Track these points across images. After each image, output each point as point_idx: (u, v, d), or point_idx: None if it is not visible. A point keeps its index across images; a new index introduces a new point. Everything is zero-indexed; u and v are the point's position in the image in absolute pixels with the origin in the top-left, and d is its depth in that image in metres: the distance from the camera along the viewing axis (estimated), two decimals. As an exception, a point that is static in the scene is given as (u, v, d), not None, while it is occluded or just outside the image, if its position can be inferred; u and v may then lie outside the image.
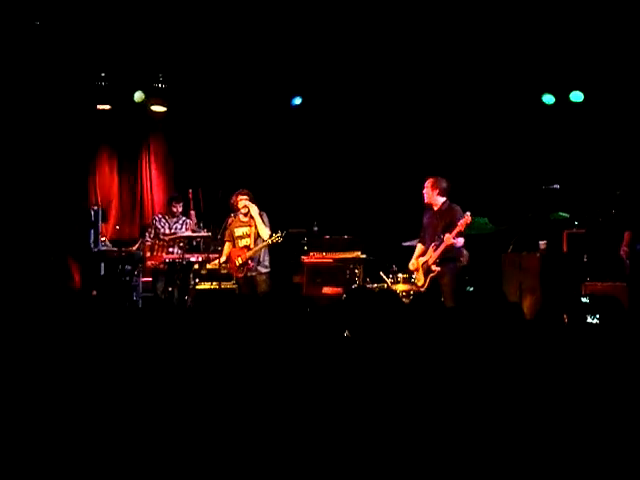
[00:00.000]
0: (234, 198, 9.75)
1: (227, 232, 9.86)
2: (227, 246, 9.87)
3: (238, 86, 11.72)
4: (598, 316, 4.14)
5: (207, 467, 3.01)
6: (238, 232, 9.74)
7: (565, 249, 9.95)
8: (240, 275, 9.69)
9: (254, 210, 9.62)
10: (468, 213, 8.47)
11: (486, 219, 9.90)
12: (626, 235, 8.32)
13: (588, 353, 3.60)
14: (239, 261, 9.61)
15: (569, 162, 11.19)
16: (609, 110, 11.01)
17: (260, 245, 9.60)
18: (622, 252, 8.28)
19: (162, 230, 10.46)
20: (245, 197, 9.67)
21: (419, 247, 9.04)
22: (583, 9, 9.82)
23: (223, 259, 9.90)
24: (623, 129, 10.84)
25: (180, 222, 10.60)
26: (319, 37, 10.70)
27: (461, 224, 8.43)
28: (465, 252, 9.02)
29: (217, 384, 3.44)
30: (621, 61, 10.45)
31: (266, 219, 9.71)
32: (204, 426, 3.16)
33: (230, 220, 9.83)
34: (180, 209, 10.65)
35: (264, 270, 9.69)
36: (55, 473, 3.00)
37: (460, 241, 8.58)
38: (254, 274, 9.63)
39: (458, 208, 8.70)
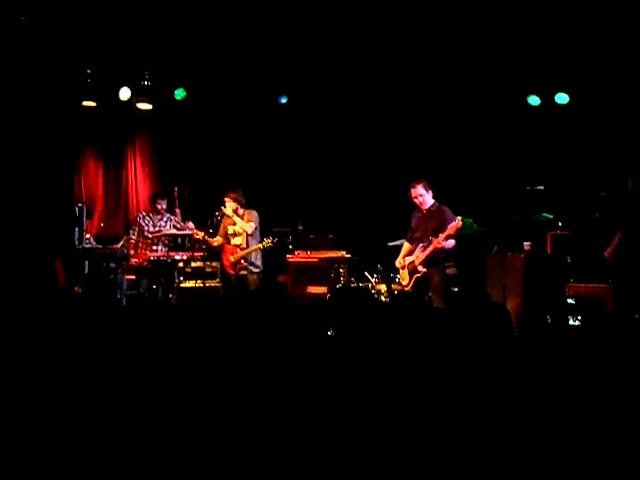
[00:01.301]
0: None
1: (220, 227, 9.95)
2: (218, 239, 9.97)
3: (224, 84, 11.71)
4: (580, 317, 4.16)
5: (186, 463, 3.01)
6: (230, 230, 9.88)
7: (549, 250, 9.99)
8: (232, 273, 9.80)
9: (228, 211, 9.79)
10: (459, 218, 8.47)
11: (471, 219, 9.92)
12: (616, 237, 8.28)
13: (569, 354, 3.62)
14: (232, 259, 9.75)
15: (554, 163, 11.24)
16: (594, 112, 11.06)
17: (251, 248, 9.77)
18: (606, 253, 8.29)
19: (146, 228, 10.43)
20: (229, 199, 9.80)
21: (406, 245, 9.05)
22: (569, 11, 9.85)
23: (217, 243, 10.01)
24: (608, 131, 10.89)
25: (164, 219, 10.57)
26: (306, 37, 10.69)
27: (451, 228, 8.42)
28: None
29: (202, 382, 3.44)
30: (606, 63, 10.50)
31: (255, 217, 9.81)
32: (187, 424, 3.15)
33: (221, 215, 9.94)
34: (164, 206, 10.62)
35: (255, 270, 9.80)
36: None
37: (450, 243, 8.59)
38: (245, 273, 9.75)
39: (448, 210, 8.72)
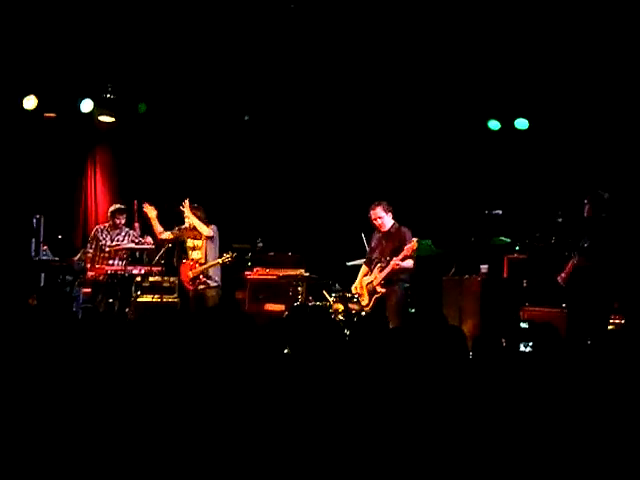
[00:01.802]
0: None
1: (176, 231, 9.90)
2: (168, 235, 9.92)
3: (186, 100, 11.70)
4: (532, 343, 4.21)
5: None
6: (189, 243, 9.85)
7: (506, 274, 10.07)
8: (191, 288, 9.77)
9: (189, 215, 9.74)
10: (415, 239, 8.56)
11: (429, 241, 9.99)
12: (570, 263, 8.33)
13: (522, 377, 3.66)
14: (191, 275, 9.71)
15: (512, 188, 11.35)
16: (553, 138, 11.20)
17: (210, 263, 9.75)
18: (559, 278, 8.36)
19: (103, 242, 10.33)
20: (186, 208, 9.76)
21: (363, 268, 9.10)
22: (528, 37, 10.00)
23: (164, 236, 9.99)
24: (566, 157, 11.02)
25: (123, 234, 10.49)
26: (268, 54, 10.73)
27: (407, 249, 8.52)
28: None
29: (156, 398, 3.42)
30: (566, 90, 10.64)
31: (215, 231, 9.79)
32: (140, 441, 3.13)
33: (183, 226, 9.92)
34: (123, 221, 10.53)
35: (213, 284, 9.78)
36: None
37: (408, 263, 8.65)
38: (204, 287, 9.73)
39: (408, 231, 8.79)
